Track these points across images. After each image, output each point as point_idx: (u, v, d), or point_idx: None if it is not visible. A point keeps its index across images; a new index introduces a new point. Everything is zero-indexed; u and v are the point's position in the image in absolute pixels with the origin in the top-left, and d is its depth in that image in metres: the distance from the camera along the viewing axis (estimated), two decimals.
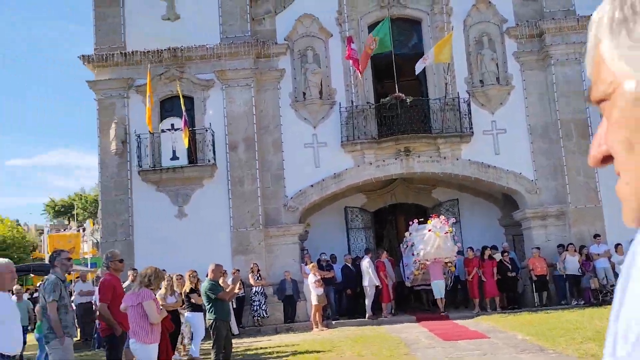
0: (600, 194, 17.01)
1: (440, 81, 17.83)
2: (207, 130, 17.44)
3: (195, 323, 11.56)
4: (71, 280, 20.18)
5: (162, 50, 17.58)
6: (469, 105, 17.65)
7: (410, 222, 16.71)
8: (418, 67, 16.81)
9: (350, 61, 17.29)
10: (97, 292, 10.22)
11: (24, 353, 11.41)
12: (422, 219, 16.44)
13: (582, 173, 17.08)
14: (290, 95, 18.22)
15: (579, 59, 17.45)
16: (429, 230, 15.58)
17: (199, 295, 10.63)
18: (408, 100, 17.55)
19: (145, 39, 17.74)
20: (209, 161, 17.33)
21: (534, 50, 17.92)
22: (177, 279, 11.63)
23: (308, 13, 18.36)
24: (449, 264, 16.09)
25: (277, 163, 17.96)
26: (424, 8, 18.47)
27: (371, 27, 18.41)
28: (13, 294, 11.73)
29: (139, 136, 17.13)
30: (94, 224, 37.69)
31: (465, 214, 19.38)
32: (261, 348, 12.94)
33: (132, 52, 17.65)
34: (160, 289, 9.33)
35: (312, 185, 17.76)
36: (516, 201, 18.26)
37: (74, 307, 13.85)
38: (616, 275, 15.60)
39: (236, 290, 10.02)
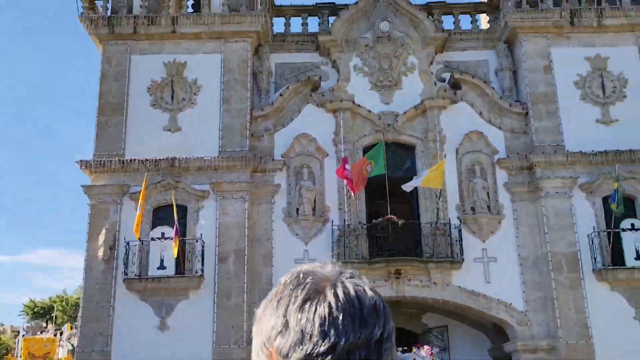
0: (591, 330, 16.72)
1: (432, 206, 18.03)
2: (197, 241, 17.36)
3: None
4: None
5: (160, 159, 17.88)
6: (460, 231, 17.74)
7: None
8: (407, 186, 17.03)
9: (345, 181, 17.55)
10: None
11: None
12: (405, 348, 15.99)
13: (573, 308, 16.89)
14: (283, 210, 18.33)
15: (569, 194, 17.80)
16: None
17: None
18: (400, 222, 17.65)
19: (145, 148, 18.11)
20: (196, 272, 17.09)
21: (525, 182, 18.29)
22: None
23: (306, 133, 18.89)
24: None
25: (266, 277, 17.73)
26: (418, 134, 19.04)
27: (366, 150, 18.88)
28: None
29: (128, 243, 17.01)
30: (72, 329, 36.50)
31: (455, 341, 18.94)
32: None
33: (130, 160, 17.93)
34: None
35: None
36: (507, 332, 17.88)
37: None
38: None
39: None
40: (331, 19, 20.36)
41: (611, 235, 17.06)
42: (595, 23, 19.19)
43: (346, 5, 20.11)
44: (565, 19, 19.14)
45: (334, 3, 20.57)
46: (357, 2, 19.95)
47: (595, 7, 19.28)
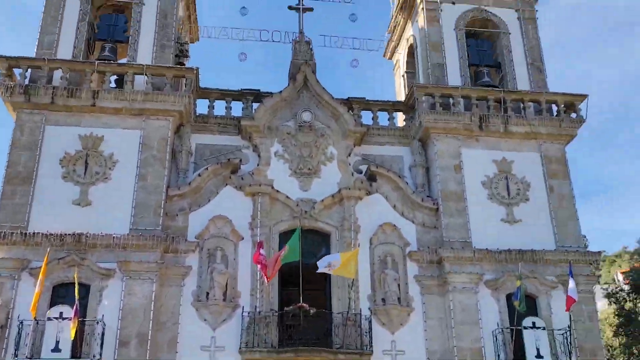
0: None
1: (344, 295, 18.03)
2: (98, 322, 16.42)
3: None
4: None
5: (65, 234, 17.11)
6: (370, 322, 17.75)
7: None
8: (320, 265, 16.89)
9: (259, 266, 17.31)
10: None
11: None
12: None
13: None
14: (193, 294, 17.79)
15: (475, 289, 18.34)
16: None
17: None
18: (312, 311, 17.46)
19: (51, 221, 17.35)
20: (94, 356, 16.06)
21: (434, 276, 18.73)
22: None
23: (222, 215, 18.72)
24: None
25: None
26: (333, 223, 19.28)
27: (282, 235, 18.89)
28: None
29: (21, 322, 15.87)
30: None
31: None
32: None
33: (34, 233, 17.04)
34: None
35: None
36: None
37: None
38: None
39: None
40: (255, 104, 20.77)
41: (514, 332, 17.58)
42: (502, 129, 20.55)
43: (270, 93, 20.63)
44: (475, 123, 20.40)
45: (258, 90, 21.05)
46: (281, 92, 20.51)
47: (502, 114, 20.70)
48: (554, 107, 21.36)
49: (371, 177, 20.03)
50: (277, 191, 19.31)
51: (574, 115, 21.23)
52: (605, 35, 74.93)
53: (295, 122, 20.30)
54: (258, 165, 19.78)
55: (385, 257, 18.84)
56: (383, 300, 18.28)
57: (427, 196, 19.93)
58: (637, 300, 26.22)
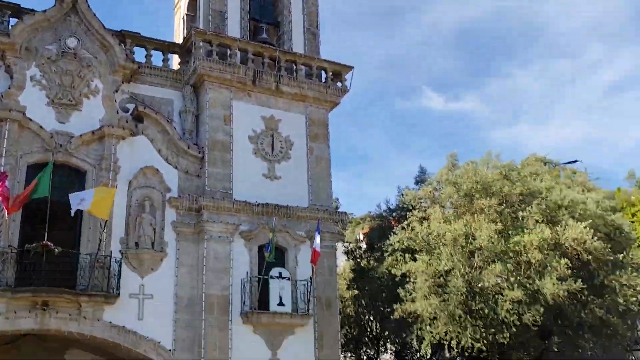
0: None
1: (95, 236, 17.30)
2: None
3: None
4: None
5: None
6: (120, 265, 17.31)
7: None
8: (73, 200, 15.80)
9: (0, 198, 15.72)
10: None
11: None
12: None
13: (218, 348, 17.76)
14: None
15: (230, 239, 18.90)
16: None
17: None
18: (56, 250, 16.42)
19: None
20: None
21: (191, 224, 18.84)
22: None
23: None
24: None
25: None
26: (91, 160, 18.25)
27: (31, 167, 17.42)
28: None
29: None
30: None
31: None
32: None
33: None
34: None
35: None
36: None
37: None
38: None
39: None
40: (13, 20, 18.52)
41: (261, 281, 18.55)
42: (273, 87, 21.13)
43: (33, 10, 18.54)
44: (249, 77, 20.67)
45: (18, 5, 18.76)
46: (45, 11, 18.55)
47: (275, 73, 21.27)
48: (324, 74, 22.53)
49: (137, 118, 19.27)
50: (30, 119, 17.63)
51: (339, 84, 22.64)
52: (380, 15, 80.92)
53: (59, 47, 18.60)
54: (10, 88, 17.80)
55: (144, 201, 18.44)
56: (136, 244, 17.93)
57: (194, 144, 19.81)
58: (371, 258, 29.30)
